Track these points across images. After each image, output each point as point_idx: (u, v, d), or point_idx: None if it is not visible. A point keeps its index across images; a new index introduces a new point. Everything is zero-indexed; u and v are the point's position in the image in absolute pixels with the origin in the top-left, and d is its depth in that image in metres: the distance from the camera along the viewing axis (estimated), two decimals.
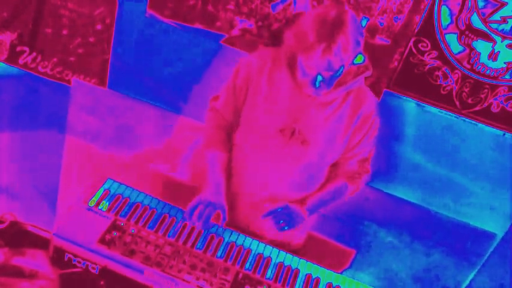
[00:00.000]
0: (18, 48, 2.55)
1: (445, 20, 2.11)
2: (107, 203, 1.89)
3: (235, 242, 1.94)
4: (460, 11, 2.08)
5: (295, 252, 2.06)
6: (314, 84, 1.76)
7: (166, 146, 2.69)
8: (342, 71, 1.77)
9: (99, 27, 2.44)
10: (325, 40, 1.65)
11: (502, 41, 2.10)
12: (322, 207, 2.12)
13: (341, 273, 2.01)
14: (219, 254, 1.87)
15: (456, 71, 2.20)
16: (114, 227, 1.82)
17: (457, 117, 2.29)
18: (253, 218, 2.10)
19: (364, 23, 2.17)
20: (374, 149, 2.05)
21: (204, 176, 2.07)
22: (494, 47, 2.12)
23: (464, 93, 2.24)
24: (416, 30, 2.15)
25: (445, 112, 2.29)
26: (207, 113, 2.13)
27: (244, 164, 2.06)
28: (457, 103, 2.26)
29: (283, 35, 1.80)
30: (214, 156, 2.06)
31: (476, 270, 2.66)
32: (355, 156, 2.03)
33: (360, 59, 1.80)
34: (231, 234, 1.97)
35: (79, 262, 1.73)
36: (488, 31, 2.09)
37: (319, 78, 1.75)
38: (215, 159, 2.06)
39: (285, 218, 1.97)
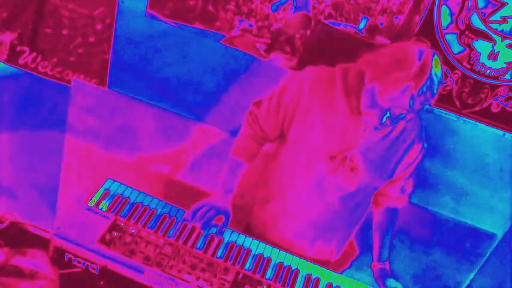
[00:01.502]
0: (18, 48, 2.55)
1: (445, 20, 2.11)
2: (107, 203, 1.89)
3: (235, 242, 1.94)
4: (460, 11, 2.08)
5: (328, 265, 2.08)
6: (381, 118, 1.71)
7: (166, 147, 2.69)
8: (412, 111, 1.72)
9: (99, 27, 2.44)
10: (414, 79, 1.61)
11: (502, 41, 2.10)
12: (391, 247, 2.10)
13: (341, 273, 2.01)
14: (219, 254, 1.87)
15: (456, 71, 2.20)
16: (114, 227, 1.82)
17: (457, 117, 2.29)
18: (294, 241, 2.09)
19: (364, 23, 2.17)
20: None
21: (216, 180, 2.06)
22: (494, 47, 2.12)
23: (464, 93, 2.24)
24: (416, 30, 2.15)
25: (445, 112, 2.29)
26: (246, 115, 2.06)
27: (287, 185, 2.02)
28: (457, 103, 2.26)
29: (361, 59, 1.74)
30: (236, 163, 2.03)
31: (476, 270, 2.66)
32: (403, 184, 2.03)
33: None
34: (231, 234, 1.97)
35: (79, 262, 1.73)
36: (488, 31, 2.09)
37: (388, 114, 1.70)
38: (236, 166, 2.03)
39: None
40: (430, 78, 1.63)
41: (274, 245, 2.02)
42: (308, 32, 2.24)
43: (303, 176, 1.96)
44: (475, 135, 2.31)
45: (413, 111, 1.70)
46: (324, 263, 2.09)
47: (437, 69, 1.65)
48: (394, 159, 1.92)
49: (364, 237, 2.69)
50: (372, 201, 2.13)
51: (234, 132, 2.52)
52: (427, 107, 1.74)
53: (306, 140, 1.90)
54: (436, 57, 1.66)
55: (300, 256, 2.00)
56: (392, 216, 2.11)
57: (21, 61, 2.58)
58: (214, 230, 1.93)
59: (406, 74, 1.61)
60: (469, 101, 2.25)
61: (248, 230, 2.14)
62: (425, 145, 1.96)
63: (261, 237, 2.06)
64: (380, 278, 2.00)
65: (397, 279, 1.97)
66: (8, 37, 2.52)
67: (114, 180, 2.00)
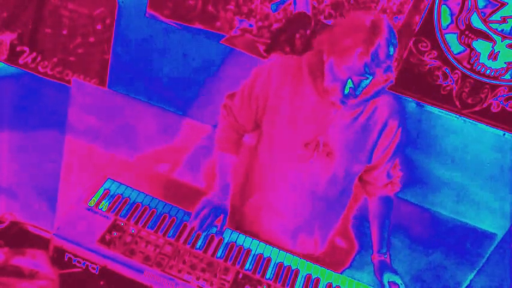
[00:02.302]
0: (18, 48, 2.55)
1: (445, 20, 2.11)
2: (107, 203, 1.89)
3: (235, 242, 1.94)
4: (460, 11, 2.08)
5: (317, 260, 2.06)
6: (343, 89, 1.72)
7: (166, 146, 2.69)
8: (371, 80, 1.73)
9: (99, 27, 2.44)
10: (363, 43, 1.63)
11: (502, 41, 2.10)
12: (388, 236, 2.09)
13: (341, 273, 2.01)
14: (219, 254, 1.87)
15: (456, 71, 2.20)
16: (114, 227, 1.82)
17: (457, 117, 2.29)
18: (277, 232, 2.10)
19: None
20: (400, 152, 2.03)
21: (211, 177, 2.07)
22: (494, 47, 2.12)
23: (464, 93, 2.24)
24: (416, 30, 2.15)
25: (445, 112, 2.29)
26: (221, 108, 2.09)
27: (267, 177, 2.04)
28: (457, 103, 2.26)
29: (314, 41, 1.78)
30: (223, 156, 2.05)
31: (476, 270, 2.66)
32: (387, 168, 2.02)
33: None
34: (231, 234, 1.97)
35: (79, 262, 1.73)
36: (488, 31, 2.09)
37: (349, 83, 1.71)
38: (224, 160, 2.05)
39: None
40: (381, 41, 1.64)
41: (262, 240, 2.03)
42: (308, 32, 2.24)
43: (279, 166, 1.98)
44: (475, 135, 2.31)
45: (371, 77, 1.71)
46: (310, 257, 2.09)
47: (388, 33, 1.67)
48: (369, 141, 1.92)
49: (363, 235, 2.69)
50: (365, 193, 2.13)
51: None
52: (387, 73, 1.75)
53: (279, 129, 1.93)
54: (386, 20, 1.69)
55: (285, 250, 2.00)
56: (385, 205, 2.09)
57: (21, 61, 2.58)
58: (214, 229, 1.94)
59: (355, 39, 1.64)
60: (469, 101, 2.25)
61: (238, 227, 2.15)
62: (403, 124, 1.93)
63: (250, 234, 2.07)
64: (379, 271, 1.99)
65: (396, 273, 1.97)
66: (8, 37, 2.52)
67: (114, 180, 2.00)
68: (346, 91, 1.73)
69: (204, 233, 1.92)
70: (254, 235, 2.05)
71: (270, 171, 2.02)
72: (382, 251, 2.04)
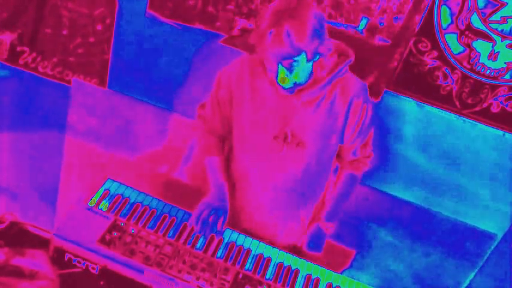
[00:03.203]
0: (18, 48, 2.55)
1: (445, 20, 2.11)
2: (107, 203, 1.89)
3: (235, 242, 1.94)
4: (460, 11, 2.08)
5: (299, 251, 2.08)
6: (277, 76, 1.74)
7: (166, 146, 2.69)
8: (306, 61, 1.72)
9: (99, 27, 2.44)
10: (273, 26, 1.64)
11: (502, 41, 2.10)
12: (340, 209, 2.12)
13: (341, 273, 2.01)
14: (219, 254, 1.87)
15: (456, 71, 2.20)
16: (114, 227, 1.82)
17: (457, 117, 2.29)
18: (266, 227, 2.12)
19: (364, 23, 2.17)
20: (372, 131, 2.03)
21: (205, 179, 2.08)
22: (494, 47, 2.12)
23: (464, 93, 2.24)
24: (416, 30, 2.15)
25: (445, 112, 2.29)
26: (196, 120, 2.15)
27: (245, 174, 2.06)
28: (457, 103, 2.26)
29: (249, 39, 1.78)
30: (211, 161, 2.08)
31: (476, 270, 2.66)
32: (354, 146, 2.02)
33: (319, 55, 1.76)
34: (231, 234, 1.97)
35: (79, 262, 1.73)
36: (488, 31, 2.09)
37: (282, 70, 1.72)
38: (213, 164, 2.08)
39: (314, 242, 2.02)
40: (293, 21, 1.64)
41: (253, 234, 2.05)
42: None
43: (253, 163, 2.01)
44: (475, 135, 2.31)
45: (294, 58, 1.69)
46: (298, 251, 2.12)
47: (305, 13, 1.66)
48: (337, 123, 1.92)
49: (363, 235, 2.69)
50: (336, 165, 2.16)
51: None
52: (321, 49, 1.74)
53: (246, 127, 1.96)
54: (306, 2, 1.69)
55: (273, 245, 2.01)
56: (347, 181, 2.12)
57: (21, 61, 2.58)
58: (215, 229, 1.94)
59: (266, 25, 1.66)
60: (469, 101, 2.25)
61: (235, 226, 2.16)
62: (367, 102, 1.93)
63: (241, 229, 2.08)
64: (311, 235, 2.08)
65: (319, 248, 2.06)
66: (8, 37, 2.52)
67: (114, 180, 2.00)
68: (280, 77, 1.74)
69: (203, 235, 1.92)
70: (243, 230, 2.06)
71: (245, 167, 2.05)
72: (325, 219, 2.10)
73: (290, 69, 1.73)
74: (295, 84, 1.78)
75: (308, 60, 1.73)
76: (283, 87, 1.79)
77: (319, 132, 1.93)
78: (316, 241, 2.11)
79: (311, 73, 1.81)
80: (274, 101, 1.89)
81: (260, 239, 2.01)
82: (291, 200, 2.07)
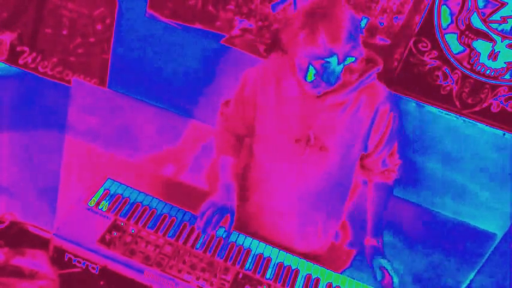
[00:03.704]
0: (18, 48, 2.55)
1: (445, 20, 2.11)
2: (107, 203, 1.89)
3: (235, 242, 1.94)
4: (460, 11, 2.08)
5: (316, 258, 2.06)
6: (306, 77, 1.73)
7: (166, 146, 2.69)
8: (337, 64, 1.71)
9: (99, 27, 2.44)
10: (308, 26, 1.63)
11: (502, 41, 2.10)
12: (383, 222, 2.07)
13: (341, 273, 2.01)
14: (219, 254, 1.87)
15: (456, 71, 2.20)
16: (114, 227, 1.82)
17: (457, 117, 2.29)
18: (281, 232, 2.10)
19: (364, 23, 2.17)
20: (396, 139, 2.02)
21: (215, 180, 2.06)
22: (494, 47, 2.12)
23: (464, 93, 2.24)
24: (416, 30, 2.15)
25: (445, 112, 2.29)
26: (217, 116, 2.13)
27: (265, 177, 2.04)
28: (457, 103, 2.26)
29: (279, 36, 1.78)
30: (225, 160, 2.06)
31: (476, 270, 2.66)
32: (383, 155, 2.01)
33: (350, 59, 1.75)
34: (231, 234, 1.97)
35: (79, 262, 1.73)
36: (488, 31, 2.09)
37: (311, 70, 1.71)
38: (226, 163, 2.05)
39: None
40: (329, 23, 1.63)
41: (265, 239, 2.03)
42: None
43: (276, 165, 1.99)
44: (475, 135, 2.31)
45: (327, 59, 1.69)
46: (311, 256, 2.09)
47: (341, 16, 1.65)
48: (361, 130, 1.91)
49: (363, 235, 2.69)
50: (365, 177, 2.14)
51: None
52: (354, 53, 1.73)
53: (269, 129, 1.94)
54: (342, 7, 1.68)
55: (290, 250, 2.00)
56: (380, 192, 2.09)
57: (21, 61, 2.58)
58: (221, 231, 1.93)
59: (301, 25, 1.65)
60: (469, 101, 2.25)
61: (238, 227, 2.15)
62: (395, 110, 1.91)
63: (252, 233, 2.06)
64: (370, 255, 1.98)
65: (387, 259, 1.96)
66: (8, 37, 2.52)
67: (114, 180, 2.00)
68: (309, 79, 1.73)
69: (205, 234, 1.91)
70: (258, 236, 2.04)
71: (265, 171, 2.03)
72: (375, 236, 2.03)
73: (320, 70, 1.71)
74: (323, 85, 1.77)
75: (339, 63, 1.72)
76: (311, 87, 1.78)
77: (342, 138, 1.90)
78: (375, 256, 1.99)
79: (340, 76, 1.78)
80: (298, 103, 1.87)
81: (275, 245, 1.99)
82: (309, 206, 2.05)
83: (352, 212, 2.59)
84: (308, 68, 1.72)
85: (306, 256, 2.02)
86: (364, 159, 2.03)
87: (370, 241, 2.03)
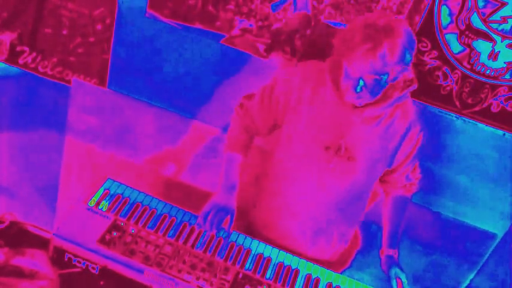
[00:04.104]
0: (18, 48, 2.55)
1: (445, 19, 2.11)
2: (107, 203, 1.89)
3: (235, 242, 1.94)
4: (460, 11, 2.08)
5: (328, 265, 2.07)
6: (355, 88, 1.72)
7: (166, 147, 2.69)
8: (385, 80, 1.72)
9: (99, 27, 2.44)
10: (371, 41, 1.62)
11: (502, 41, 2.10)
12: (400, 234, 2.10)
13: (341, 273, 2.01)
14: (219, 254, 1.87)
15: (456, 71, 2.20)
16: (114, 227, 1.82)
17: (457, 117, 2.29)
18: (295, 237, 2.09)
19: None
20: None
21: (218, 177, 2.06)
22: (494, 47, 2.12)
23: (464, 93, 2.24)
24: (416, 30, 2.15)
25: (445, 112, 2.29)
26: (236, 108, 2.09)
27: (285, 181, 2.02)
28: (457, 103, 2.26)
29: (334, 40, 1.76)
30: (232, 157, 2.04)
31: (476, 270, 2.66)
32: (407, 171, 2.03)
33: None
34: (231, 234, 1.97)
35: (79, 262, 1.73)
36: (488, 31, 2.09)
37: (361, 82, 1.71)
38: (232, 160, 2.04)
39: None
40: (391, 42, 1.63)
41: (277, 244, 2.02)
42: (308, 32, 2.24)
43: (300, 170, 1.97)
44: (475, 135, 2.31)
45: (383, 78, 1.70)
46: (325, 263, 2.09)
47: (402, 36, 1.65)
48: (391, 146, 1.91)
49: (364, 235, 2.69)
50: (383, 191, 2.14)
51: None
52: (404, 74, 1.75)
53: (299, 133, 1.92)
54: (402, 22, 1.69)
55: (302, 255, 2.00)
56: (400, 204, 2.11)
57: (21, 61, 2.58)
58: (222, 232, 1.93)
59: (364, 37, 1.63)
60: (469, 101, 2.25)
61: (248, 231, 2.15)
62: (424, 129, 1.95)
63: (263, 237, 2.06)
64: (386, 265, 2.00)
65: (402, 270, 1.97)
66: (8, 37, 2.52)
67: (114, 180, 2.00)
68: (358, 90, 1.72)
69: (204, 232, 1.92)
70: (268, 239, 2.04)
71: (288, 175, 2.01)
72: (391, 247, 2.04)
73: (370, 84, 1.71)
74: (367, 98, 1.76)
75: (388, 81, 1.73)
76: (354, 98, 1.77)
77: (372, 151, 1.90)
78: (392, 266, 2.02)
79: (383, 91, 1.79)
80: (333, 111, 1.86)
81: (287, 250, 2.00)
82: (328, 214, 2.04)
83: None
84: (359, 80, 1.70)
85: (318, 262, 2.01)
86: (389, 174, 2.04)
87: (386, 252, 2.05)
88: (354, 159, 1.89)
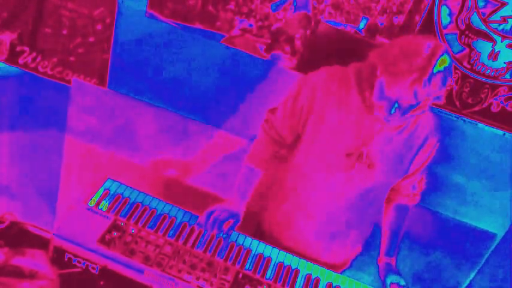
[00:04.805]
0: (18, 48, 2.55)
1: (445, 19, 2.11)
2: (107, 203, 1.89)
3: (235, 242, 1.94)
4: (460, 11, 2.08)
5: (340, 270, 2.09)
6: (390, 110, 1.71)
7: (166, 146, 2.69)
8: (421, 103, 1.72)
9: (99, 27, 2.44)
10: (418, 71, 1.61)
11: (502, 41, 2.10)
12: (399, 243, 2.10)
13: (341, 273, 2.01)
14: (219, 254, 1.87)
15: (456, 71, 2.20)
16: (114, 227, 1.82)
17: (457, 117, 2.29)
18: (310, 242, 2.09)
19: (364, 23, 2.17)
20: None
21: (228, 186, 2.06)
22: (494, 47, 2.12)
23: (464, 93, 2.24)
24: (416, 30, 2.15)
25: (445, 112, 2.29)
26: (262, 123, 2.08)
27: (303, 186, 2.02)
28: (457, 103, 2.26)
29: (373, 53, 1.74)
30: (251, 170, 2.04)
31: (476, 270, 2.66)
32: (415, 180, 2.03)
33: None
34: (231, 234, 1.97)
35: (79, 262, 1.73)
36: (488, 31, 2.09)
37: (396, 105, 1.70)
38: (251, 174, 2.04)
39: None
40: (436, 70, 1.63)
41: (288, 248, 2.03)
42: (308, 32, 2.24)
43: (318, 177, 1.96)
44: (475, 135, 2.31)
45: (420, 103, 1.70)
46: (336, 267, 2.10)
47: (444, 62, 1.65)
48: (409, 155, 1.92)
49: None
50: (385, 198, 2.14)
51: (233, 131, 2.52)
52: (437, 100, 1.75)
53: (321, 139, 1.91)
54: (444, 49, 1.67)
55: (314, 261, 2.00)
56: (401, 214, 2.11)
57: (21, 61, 2.58)
58: (221, 233, 1.93)
59: (410, 65, 1.61)
60: (469, 101, 2.25)
61: (259, 234, 2.14)
62: (440, 141, 1.94)
63: (275, 240, 2.06)
64: (383, 272, 2.00)
65: (400, 275, 1.97)
66: (8, 37, 2.52)
67: (114, 180, 2.00)
68: (392, 111, 1.72)
69: (204, 232, 1.92)
70: (285, 246, 2.04)
71: (306, 179, 2.00)
72: (389, 255, 2.05)
73: (406, 107, 1.71)
74: (398, 117, 1.76)
75: (423, 103, 1.73)
76: (384, 118, 1.77)
77: (392, 159, 1.90)
78: (389, 273, 2.03)
79: None
80: (358, 119, 1.85)
81: (300, 255, 2.00)
82: (344, 220, 2.03)
83: None
84: (395, 102, 1.70)
85: (331, 267, 2.02)
86: (398, 182, 2.04)
87: (383, 259, 2.05)
88: (373, 167, 1.89)
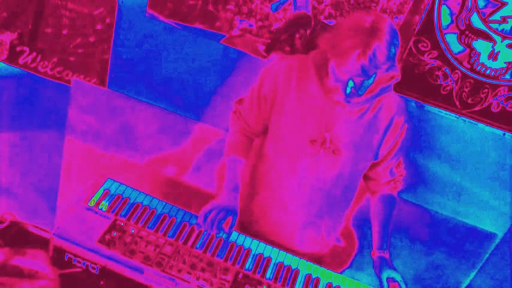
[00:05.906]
0: (18, 48, 2.55)
1: (445, 19, 2.11)
2: (107, 203, 1.89)
3: (235, 242, 1.94)
4: (460, 11, 2.08)
5: (320, 260, 2.07)
6: (345, 90, 1.74)
7: (167, 147, 2.69)
8: (373, 79, 1.75)
9: (99, 27, 2.44)
10: (361, 46, 1.63)
11: (502, 41, 2.10)
12: (389, 234, 2.09)
13: (341, 273, 2.01)
14: (219, 254, 1.87)
15: (456, 71, 2.20)
16: (114, 227, 1.82)
17: (457, 117, 2.29)
18: (284, 231, 2.10)
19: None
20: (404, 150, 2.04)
21: (220, 180, 2.07)
22: (494, 47, 2.12)
23: (464, 93, 2.24)
24: (416, 30, 2.15)
25: (445, 112, 2.29)
26: (231, 114, 2.13)
27: (274, 176, 2.04)
28: (457, 103, 2.26)
29: (318, 40, 1.79)
30: (234, 161, 2.05)
31: (476, 270, 2.66)
32: (391, 165, 2.03)
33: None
34: (231, 234, 1.97)
35: (79, 262, 1.73)
36: (488, 31, 2.09)
37: (351, 84, 1.72)
38: (234, 164, 2.05)
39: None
40: (380, 43, 1.64)
41: (266, 238, 2.04)
42: (308, 32, 2.24)
43: (286, 164, 1.99)
44: (475, 135, 2.31)
45: (372, 77, 1.72)
46: (316, 258, 2.09)
47: (388, 33, 1.67)
48: (375, 138, 1.92)
49: (363, 235, 2.69)
50: (368, 190, 2.14)
51: None
52: (391, 71, 1.78)
53: (285, 128, 1.94)
54: (386, 20, 1.69)
55: (291, 250, 2.00)
56: (386, 203, 2.10)
57: (21, 61, 2.58)
58: (222, 233, 1.93)
59: (352, 42, 1.64)
60: (469, 101, 2.25)
61: (242, 228, 2.15)
62: (408, 122, 1.95)
63: (253, 232, 2.07)
64: (378, 267, 1.99)
65: (395, 270, 1.97)
66: (8, 37, 2.52)
67: (114, 180, 2.00)
68: (348, 91, 1.74)
69: (209, 233, 1.92)
70: (260, 235, 2.05)
71: (276, 169, 2.03)
72: (382, 248, 2.04)
73: (360, 84, 1.74)
74: (355, 97, 1.79)
75: (376, 78, 1.76)
76: (343, 99, 1.79)
77: (357, 143, 1.92)
78: (384, 268, 2.01)
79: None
80: (318, 105, 1.88)
81: (275, 244, 2.00)
82: (316, 208, 2.05)
83: (357, 222, 2.61)
84: (348, 82, 1.72)
85: (306, 257, 2.02)
86: (372, 169, 2.04)
87: (377, 253, 2.04)
88: (339, 152, 1.91)
